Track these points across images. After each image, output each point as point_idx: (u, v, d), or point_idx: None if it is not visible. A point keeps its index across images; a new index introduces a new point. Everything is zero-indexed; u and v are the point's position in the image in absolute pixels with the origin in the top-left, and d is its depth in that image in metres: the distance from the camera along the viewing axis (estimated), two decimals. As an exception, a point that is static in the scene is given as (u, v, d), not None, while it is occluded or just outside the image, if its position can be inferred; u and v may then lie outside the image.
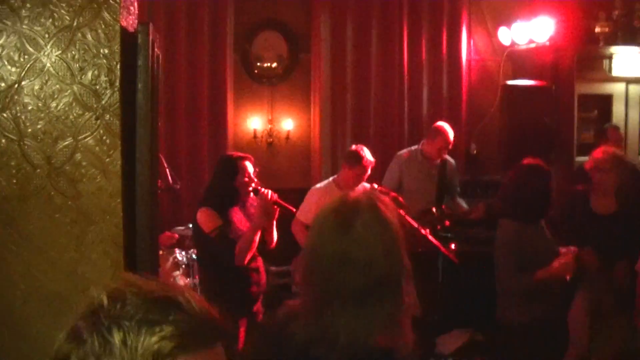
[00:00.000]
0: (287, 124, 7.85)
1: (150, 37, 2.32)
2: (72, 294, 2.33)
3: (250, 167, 4.61)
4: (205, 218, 4.56)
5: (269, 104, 7.89)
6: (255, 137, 7.79)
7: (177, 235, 6.19)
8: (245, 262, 4.44)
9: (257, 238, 4.45)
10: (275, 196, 4.50)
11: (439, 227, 5.88)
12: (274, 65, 7.90)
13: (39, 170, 2.26)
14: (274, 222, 4.67)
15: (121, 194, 2.28)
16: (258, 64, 7.88)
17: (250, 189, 4.54)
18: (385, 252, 1.91)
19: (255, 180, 4.59)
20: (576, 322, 4.76)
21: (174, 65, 7.39)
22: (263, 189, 4.50)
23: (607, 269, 4.72)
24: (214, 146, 7.62)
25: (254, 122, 7.79)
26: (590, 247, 4.55)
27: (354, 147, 5.95)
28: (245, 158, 4.69)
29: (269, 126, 7.84)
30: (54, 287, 2.33)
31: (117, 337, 1.12)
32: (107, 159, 2.27)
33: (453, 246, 5.86)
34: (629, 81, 8.33)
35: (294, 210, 4.76)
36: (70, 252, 2.30)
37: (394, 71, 7.95)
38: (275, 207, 4.49)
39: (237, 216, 4.62)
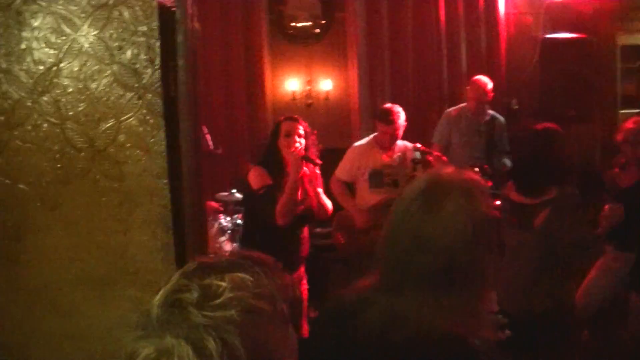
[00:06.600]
0: (326, 84, 7.75)
1: (189, 11, 2.24)
2: (122, 277, 2.30)
3: (292, 128, 4.54)
4: (255, 176, 4.58)
5: (306, 65, 7.78)
6: (294, 98, 7.71)
7: (221, 208, 6.16)
8: (287, 220, 4.41)
9: (297, 195, 4.43)
10: (303, 152, 4.47)
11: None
12: (309, 24, 7.77)
13: (82, 153, 2.22)
14: (316, 186, 4.64)
15: (167, 174, 2.22)
16: (292, 24, 7.75)
17: (292, 150, 4.44)
18: (471, 238, 1.76)
19: (299, 142, 4.50)
20: None
21: (208, 29, 7.27)
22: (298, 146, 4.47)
23: None
24: (253, 110, 7.56)
25: (292, 84, 7.71)
26: None
27: (386, 105, 5.90)
28: (288, 119, 4.65)
29: (308, 87, 7.75)
30: (103, 271, 2.30)
31: None
32: (151, 139, 2.21)
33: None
34: (672, 31, 8.10)
35: (321, 162, 4.68)
36: (118, 235, 2.26)
37: (431, 27, 7.74)
38: (302, 161, 4.46)
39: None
